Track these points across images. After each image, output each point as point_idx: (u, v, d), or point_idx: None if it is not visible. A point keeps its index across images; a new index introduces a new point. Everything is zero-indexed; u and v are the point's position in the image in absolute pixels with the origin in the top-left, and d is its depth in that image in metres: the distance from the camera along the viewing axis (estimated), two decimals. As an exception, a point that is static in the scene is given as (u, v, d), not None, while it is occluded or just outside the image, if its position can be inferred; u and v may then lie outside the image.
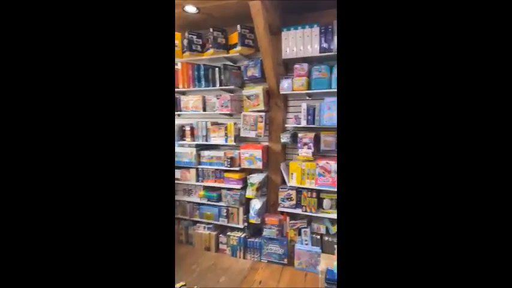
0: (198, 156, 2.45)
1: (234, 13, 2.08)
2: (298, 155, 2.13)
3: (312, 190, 2.08)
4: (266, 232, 2.24)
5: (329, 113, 1.96)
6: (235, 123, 2.31)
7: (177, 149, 2.50)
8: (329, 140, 2.05)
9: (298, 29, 2.00)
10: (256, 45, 2.13)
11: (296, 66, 2.04)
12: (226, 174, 2.35)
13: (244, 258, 2.32)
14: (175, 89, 2.44)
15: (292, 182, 2.14)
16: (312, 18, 2.04)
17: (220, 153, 2.36)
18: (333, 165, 1.98)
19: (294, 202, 2.16)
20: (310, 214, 2.11)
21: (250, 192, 2.23)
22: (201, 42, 2.35)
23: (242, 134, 2.28)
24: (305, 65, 2.01)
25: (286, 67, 2.24)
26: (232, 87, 2.26)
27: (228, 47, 2.27)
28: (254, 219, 2.24)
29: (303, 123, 2.04)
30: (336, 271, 1.12)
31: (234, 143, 2.30)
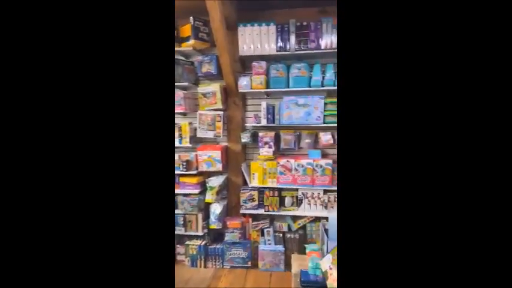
0: (148, 160, 2.19)
1: (185, 4, 1.91)
2: (259, 154, 2.09)
3: (273, 189, 2.07)
4: (228, 236, 2.14)
5: (288, 112, 1.98)
6: (190, 123, 2.13)
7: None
8: (288, 139, 2.07)
9: (255, 26, 1.96)
10: (211, 40, 2.00)
11: (254, 64, 2.00)
12: (182, 179, 2.16)
13: (205, 267, 2.18)
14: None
15: (254, 182, 2.09)
16: (268, 16, 2.02)
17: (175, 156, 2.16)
18: (293, 163, 2.01)
19: (256, 203, 2.12)
20: (272, 213, 2.10)
21: (209, 197, 2.09)
22: (147, 33, 2.10)
23: (199, 135, 2.13)
24: (263, 63, 1.99)
25: (243, 64, 2.18)
26: (185, 83, 2.08)
27: (179, 40, 2.08)
28: (215, 225, 2.12)
29: (263, 122, 2.02)
30: (310, 272, 1.12)
31: (190, 145, 2.12)
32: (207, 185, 2.11)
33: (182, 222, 2.19)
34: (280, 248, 2.08)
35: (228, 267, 2.15)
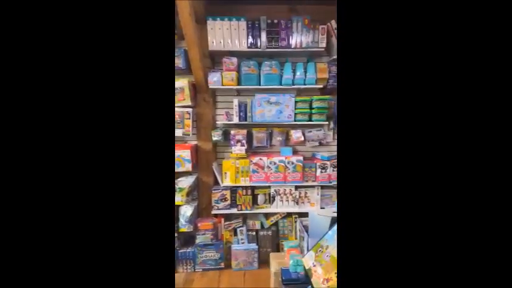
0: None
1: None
2: (231, 152, 2.05)
3: (246, 187, 2.05)
4: (200, 239, 2.06)
5: (260, 110, 1.97)
6: (155, 121, 1.97)
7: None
8: (261, 136, 2.07)
9: (225, 20, 1.89)
10: (179, 32, 1.87)
11: (225, 60, 1.93)
12: (147, 181, 2.00)
13: (176, 272, 2.06)
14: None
15: (226, 181, 2.04)
16: (238, 11, 1.97)
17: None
18: (265, 160, 2.01)
19: (228, 202, 2.08)
20: (245, 212, 2.08)
21: (179, 199, 1.97)
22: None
23: (166, 133, 1.99)
24: (234, 59, 1.93)
25: (213, 60, 2.09)
26: (150, 78, 1.91)
27: (141, 30, 1.89)
28: (185, 228, 2.01)
29: (235, 120, 1.97)
30: (291, 269, 1.13)
31: (156, 144, 1.97)
32: (176, 186, 1.99)
33: (148, 228, 2.03)
34: (254, 246, 2.08)
35: (200, 270, 2.07)
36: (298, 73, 1.96)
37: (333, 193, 2.16)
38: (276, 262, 1.29)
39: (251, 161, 2.00)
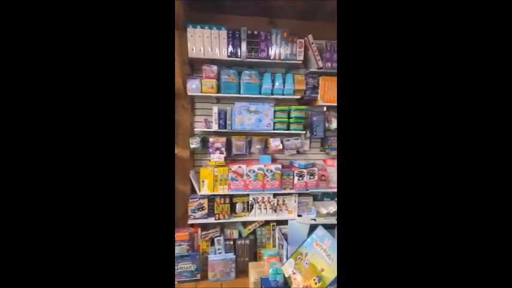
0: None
1: None
2: (209, 160, 2.02)
3: (225, 196, 2.03)
4: (175, 250, 1.98)
5: (240, 118, 1.98)
6: (130, 127, 1.89)
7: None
8: (240, 144, 2.07)
9: (206, 29, 1.90)
10: (157, 37, 1.83)
11: (205, 67, 1.93)
12: (119, 191, 1.89)
13: (148, 287, 1.95)
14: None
15: (204, 190, 2.00)
16: (219, 20, 1.99)
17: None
18: (244, 168, 2.01)
19: (205, 211, 2.03)
20: (223, 221, 2.05)
21: (154, 208, 1.89)
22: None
23: (141, 140, 1.91)
24: (214, 67, 1.94)
25: (192, 67, 2.08)
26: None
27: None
28: (160, 239, 1.92)
29: (215, 128, 1.96)
30: (271, 278, 1.13)
31: (130, 151, 1.88)
32: (151, 195, 1.90)
33: (119, 240, 1.91)
34: (231, 256, 2.04)
35: (176, 282, 1.98)
36: (277, 83, 2.02)
37: (309, 200, 2.21)
38: (255, 271, 1.28)
39: (230, 169, 1.99)
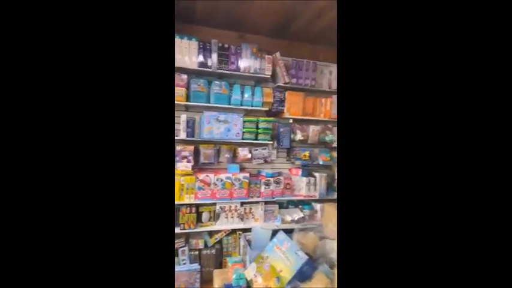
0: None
1: None
2: (176, 169, 1.99)
3: (191, 205, 2.00)
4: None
5: (209, 127, 2.01)
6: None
7: None
8: (209, 153, 2.08)
9: (177, 38, 1.92)
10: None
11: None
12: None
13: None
14: None
15: (170, 199, 1.96)
16: (189, 31, 2.02)
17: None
18: (212, 177, 2.02)
19: (171, 221, 1.98)
20: (188, 231, 2.01)
21: (114, 219, 1.80)
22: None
23: (103, 147, 1.83)
24: (184, 76, 1.96)
25: (161, 74, 2.07)
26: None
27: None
28: (119, 251, 1.82)
29: (183, 136, 1.96)
30: (234, 284, 1.14)
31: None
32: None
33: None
34: (196, 266, 2.00)
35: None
36: (246, 95, 2.10)
37: (275, 208, 2.28)
38: (219, 279, 1.28)
39: (197, 178, 1.98)
